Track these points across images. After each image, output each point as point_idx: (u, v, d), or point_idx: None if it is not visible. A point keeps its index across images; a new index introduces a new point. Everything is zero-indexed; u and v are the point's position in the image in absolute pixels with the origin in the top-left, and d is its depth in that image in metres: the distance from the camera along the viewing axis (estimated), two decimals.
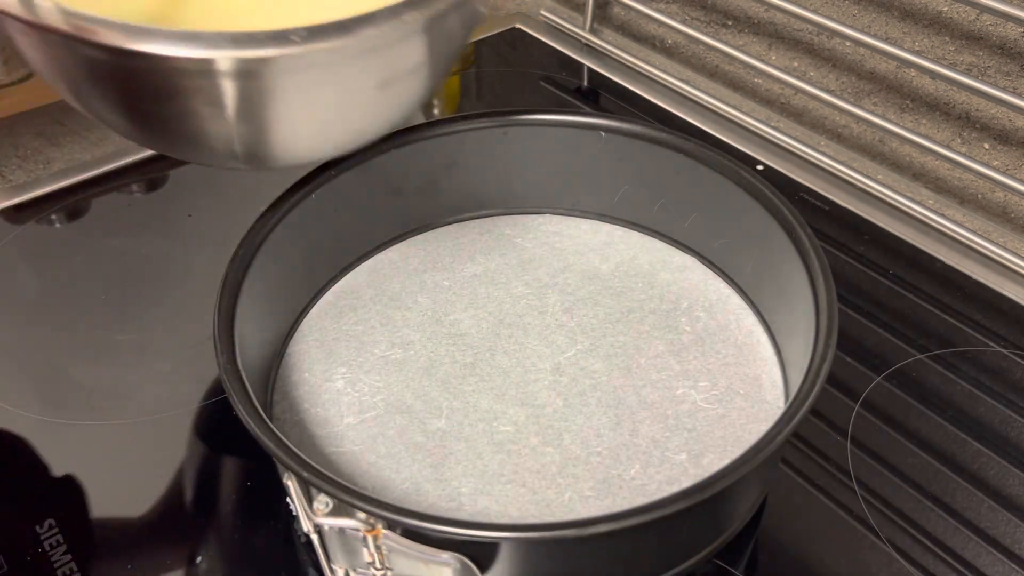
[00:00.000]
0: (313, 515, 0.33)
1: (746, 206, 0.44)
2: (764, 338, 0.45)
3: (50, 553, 0.40)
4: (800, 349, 0.38)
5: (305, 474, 0.32)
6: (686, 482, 0.36)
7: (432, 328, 0.45)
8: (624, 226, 0.51)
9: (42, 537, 0.41)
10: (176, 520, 0.42)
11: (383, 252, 0.50)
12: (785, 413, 0.33)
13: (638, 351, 0.44)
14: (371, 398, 0.42)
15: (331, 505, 0.33)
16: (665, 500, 0.30)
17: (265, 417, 0.34)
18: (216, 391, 0.48)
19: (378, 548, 0.33)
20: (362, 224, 0.49)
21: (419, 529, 0.31)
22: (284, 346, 0.45)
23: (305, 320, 0.47)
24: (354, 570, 0.35)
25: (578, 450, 0.39)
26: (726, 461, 0.34)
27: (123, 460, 0.45)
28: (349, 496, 0.31)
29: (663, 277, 0.48)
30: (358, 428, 0.41)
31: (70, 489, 0.44)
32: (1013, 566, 0.40)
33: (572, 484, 0.38)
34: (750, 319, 0.46)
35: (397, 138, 0.47)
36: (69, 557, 0.40)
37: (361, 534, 0.32)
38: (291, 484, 0.33)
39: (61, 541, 0.41)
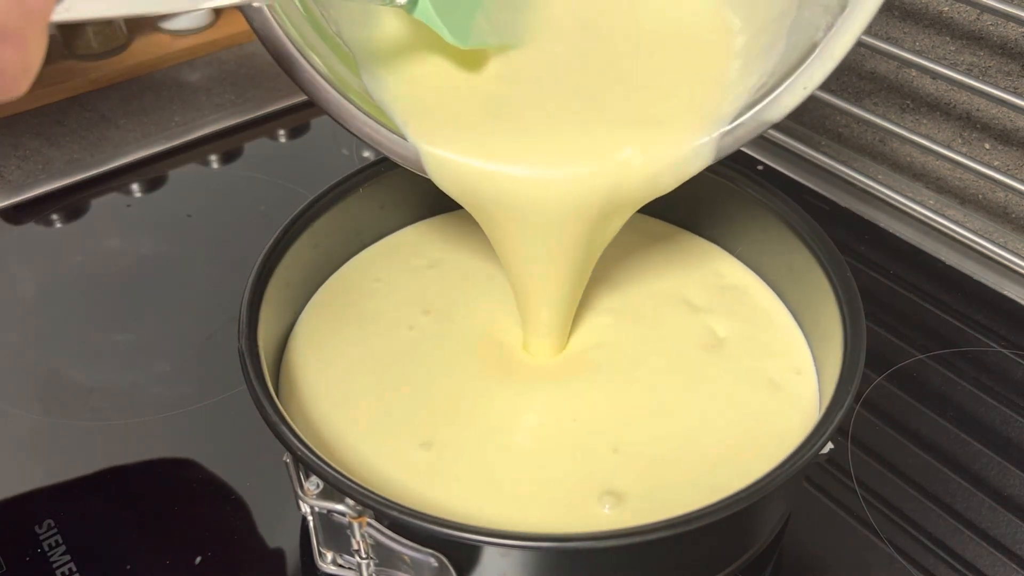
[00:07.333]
0: (304, 496, 0.33)
1: (793, 247, 0.43)
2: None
3: (49, 553, 0.40)
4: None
5: (299, 452, 0.32)
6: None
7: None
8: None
9: (41, 537, 0.41)
10: (176, 520, 0.42)
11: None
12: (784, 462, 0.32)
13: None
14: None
15: (321, 487, 0.33)
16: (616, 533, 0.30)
17: (272, 392, 0.35)
18: (215, 391, 0.48)
19: (363, 536, 0.33)
20: (410, 221, 0.50)
21: (399, 521, 0.31)
22: (299, 318, 0.45)
23: (330, 283, 0.47)
24: (340, 556, 0.36)
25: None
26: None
27: (123, 460, 0.45)
28: (336, 479, 0.31)
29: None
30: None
31: (70, 489, 0.44)
32: (1013, 566, 0.40)
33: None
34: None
35: None
36: (68, 557, 0.40)
37: (347, 520, 0.33)
38: (288, 462, 0.34)
39: (60, 541, 0.41)
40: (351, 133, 0.36)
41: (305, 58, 0.35)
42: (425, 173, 0.36)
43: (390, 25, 0.38)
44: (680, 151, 0.35)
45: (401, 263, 0.48)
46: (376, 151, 0.37)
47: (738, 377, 0.41)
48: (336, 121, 0.36)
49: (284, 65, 0.35)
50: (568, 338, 0.43)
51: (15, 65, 0.22)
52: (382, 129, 0.36)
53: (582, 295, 0.43)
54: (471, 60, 0.37)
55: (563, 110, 0.36)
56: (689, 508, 0.31)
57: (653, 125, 0.35)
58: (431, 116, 0.37)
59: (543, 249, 0.38)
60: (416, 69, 0.37)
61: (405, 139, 0.36)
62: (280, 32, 0.34)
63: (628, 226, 0.49)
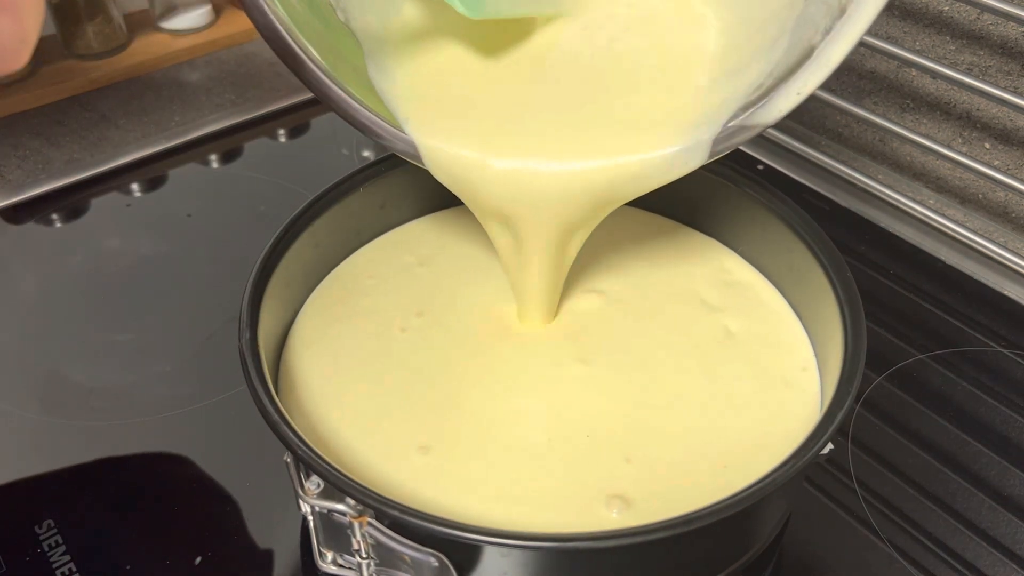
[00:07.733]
0: (304, 496, 0.33)
1: (791, 246, 0.43)
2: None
3: (49, 553, 0.40)
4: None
5: (300, 451, 0.32)
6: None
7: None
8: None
9: (41, 537, 0.41)
10: (176, 520, 0.42)
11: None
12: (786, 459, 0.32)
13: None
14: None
15: (321, 486, 0.33)
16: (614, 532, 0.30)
17: (273, 392, 0.35)
18: (215, 391, 0.48)
19: (363, 536, 0.33)
20: (409, 219, 0.50)
21: (400, 521, 0.31)
22: (297, 317, 0.45)
23: (327, 282, 0.47)
24: (340, 556, 0.36)
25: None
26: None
27: (123, 460, 0.45)
28: (337, 479, 0.31)
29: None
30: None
31: (70, 489, 0.44)
32: (1013, 566, 0.40)
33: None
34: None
35: None
36: (68, 557, 0.40)
37: (347, 520, 0.33)
38: (289, 462, 0.34)
39: (60, 541, 0.41)
40: (353, 126, 0.37)
41: (306, 53, 0.35)
42: (423, 165, 0.37)
43: (404, 13, 0.38)
44: (648, 158, 0.35)
45: (395, 260, 0.48)
46: (376, 149, 0.37)
47: (751, 373, 0.41)
48: (338, 114, 0.36)
49: (286, 59, 0.35)
50: (558, 309, 0.44)
51: (12, 36, 0.22)
52: (383, 123, 0.36)
53: (592, 293, 0.44)
54: (479, 53, 0.37)
55: (561, 108, 0.37)
56: None
57: (631, 130, 0.36)
58: (431, 110, 0.37)
59: (531, 238, 0.39)
60: (423, 61, 0.38)
61: (405, 132, 0.36)
62: (281, 28, 0.34)
63: (633, 221, 0.49)
